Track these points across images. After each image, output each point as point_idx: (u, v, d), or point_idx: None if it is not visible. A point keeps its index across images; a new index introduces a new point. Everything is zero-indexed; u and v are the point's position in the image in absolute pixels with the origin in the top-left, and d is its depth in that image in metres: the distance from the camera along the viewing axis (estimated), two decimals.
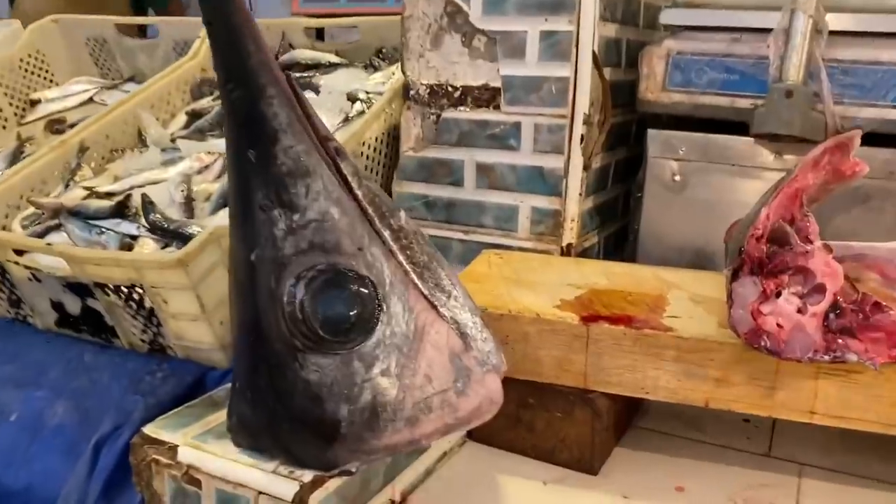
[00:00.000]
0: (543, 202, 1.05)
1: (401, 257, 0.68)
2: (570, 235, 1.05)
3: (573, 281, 0.93)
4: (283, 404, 0.65)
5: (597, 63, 1.00)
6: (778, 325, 0.69)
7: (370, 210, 0.67)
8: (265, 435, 0.68)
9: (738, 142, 0.99)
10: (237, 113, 0.64)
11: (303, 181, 0.63)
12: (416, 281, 0.68)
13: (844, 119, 0.90)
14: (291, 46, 1.51)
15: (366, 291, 0.65)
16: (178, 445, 0.71)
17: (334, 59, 1.43)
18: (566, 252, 1.06)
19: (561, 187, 1.04)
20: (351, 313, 0.64)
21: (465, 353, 0.68)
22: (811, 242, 0.72)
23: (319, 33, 1.61)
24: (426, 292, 0.68)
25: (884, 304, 0.72)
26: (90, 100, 1.73)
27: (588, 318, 0.80)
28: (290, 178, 0.63)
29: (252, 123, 0.63)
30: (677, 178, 1.03)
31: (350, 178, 0.67)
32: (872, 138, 0.90)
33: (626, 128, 1.18)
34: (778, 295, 0.69)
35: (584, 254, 1.11)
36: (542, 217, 1.06)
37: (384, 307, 0.65)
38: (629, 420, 0.92)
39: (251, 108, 0.62)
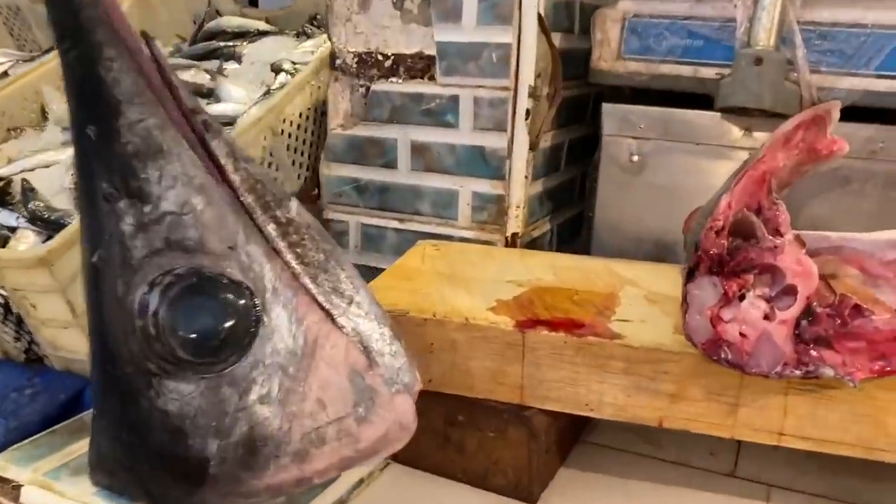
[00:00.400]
0: (485, 186, 0.94)
1: (288, 256, 0.56)
2: (515, 224, 0.94)
3: (515, 277, 0.82)
4: (139, 438, 0.54)
5: (543, 27, 0.89)
6: (741, 333, 0.59)
7: (249, 199, 0.56)
8: (123, 473, 0.57)
9: (703, 117, 0.88)
10: (73, 79, 0.51)
11: (154, 164, 0.52)
12: (308, 285, 0.57)
13: (822, 90, 0.79)
14: (218, 13, 1.38)
15: (239, 300, 0.53)
16: (22, 485, 0.59)
17: (264, 26, 1.30)
18: (511, 242, 0.95)
19: (504, 170, 0.92)
20: (219, 328, 0.53)
21: (368, 370, 0.57)
22: (781, 235, 0.61)
23: None
24: (320, 298, 0.57)
25: (864, 307, 0.62)
26: (5, 74, 1.58)
27: (525, 323, 0.70)
28: (138, 160, 0.51)
29: (89, 92, 0.51)
30: (635, 158, 0.92)
31: (223, 160, 0.55)
32: (853, 112, 0.80)
33: (582, 102, 1.06)
34: (741, 298, 0.59)
35: (534, 244, 1.00)
36: (484, 203, 0.95)
37: (264, 319, 0.54)
38: (577, 435, 0.82)
39: (87, 72, 0.50)
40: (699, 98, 0.87)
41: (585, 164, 1.08)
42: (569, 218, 1.11)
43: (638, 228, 0.95)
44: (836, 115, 0.62)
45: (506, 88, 0.89)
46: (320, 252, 0.58)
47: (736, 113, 0.81)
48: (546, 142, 0.98)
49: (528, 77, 0.89)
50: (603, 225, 0.97)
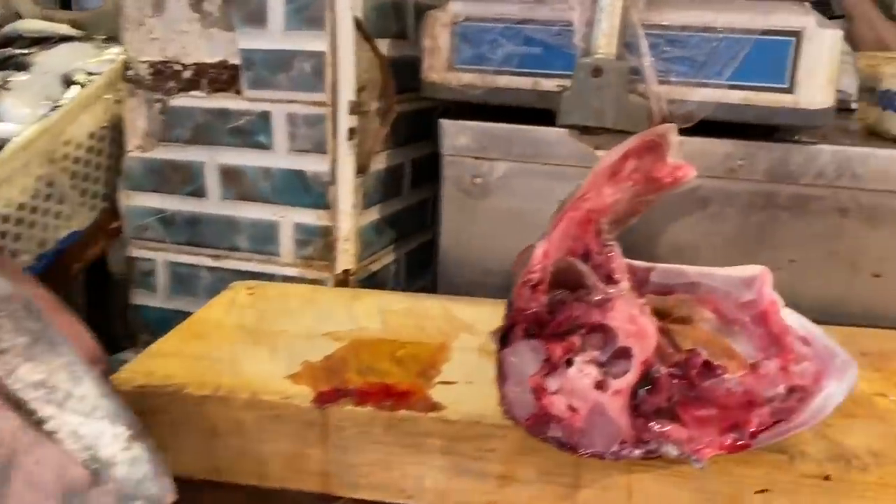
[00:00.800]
0: (309, 217, 0.82)
1: None
2: (345, 259, 0.83)
3: (335, 327, 0.71)
4: None
5: (364, 33, 0.78)
6: (570, 407, 0.49)
7: None
8: None
9: (550, 134, 0.79)
10: None
11: None
12: (2, 381, 0.43)
13: (672, 103, 0.71)
14: (18, 15, 1.20)
15: None
16: None
17: (68, 30, 1.14)
18: (343, 281, 0.84)
19: (329, 197, 0.81)
20: None
21: (91, 488, 0.44)
22: (615, 283, 0.52)
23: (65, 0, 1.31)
24: (21, 397, 0.44)
25: (716, 364, 0.54)
26: None
27: (327, 395, 0.58)
28: None
29: None
30: (478, 180, 0.83)
31: None
32: (709, 127, 0.73)
33: (426, 116, 0.96)
34: (569, 364, 0.49)
35: (374, 279, 0.89)
36: (308, 236, 0.83)
37: None
38: None
39: None
40: (544, 113, 0.78)
41: (435, 185, 0.98)
42: (420, 245, 1.00)
43: (485, 259, 0.85)
44: (674, 138, 0.53)
45: (323, 104, 0.78)
46: (23, 333, 0.45)
47: (580, 131, 0.72)
48: (380, 163, 0.87)
49: (347, 90, 0.77)
50: (448, 256, 0.87)
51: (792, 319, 0.57)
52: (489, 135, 0.81)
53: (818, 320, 0.73)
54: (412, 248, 0.98)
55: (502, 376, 0.50)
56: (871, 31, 1.88)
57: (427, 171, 0.98)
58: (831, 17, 1.95)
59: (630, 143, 0.50)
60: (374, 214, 0.87)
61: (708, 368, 0.53)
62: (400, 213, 0.94)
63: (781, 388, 0.52)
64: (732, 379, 0.53)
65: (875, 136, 0.81)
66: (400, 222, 0.94)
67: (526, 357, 0.49)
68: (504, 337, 0.49)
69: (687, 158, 0.76)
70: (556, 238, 0.49)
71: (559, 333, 0.49)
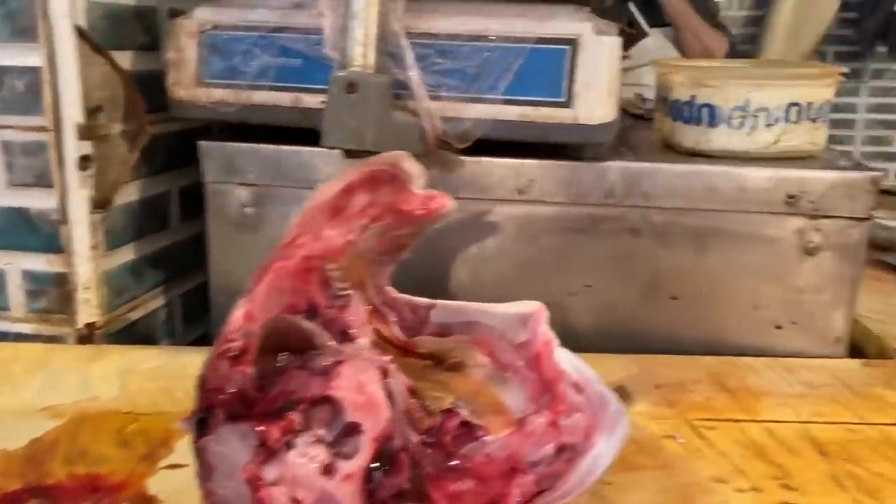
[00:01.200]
0: (39, 263, 0.71)
1: None
2: (88, 311, 0.71)
3: (61, 398, 0.60)
4: None
5: (92, 44, 0.67)
6: (294, 499, 0.41)
7: None
8: None
9: (322, 156, 0.71)
10: None
11: None
12: None
13: (448, 121, 0.65)
14: None
15: None
16: None
17: None
18: (88, 336, 0.72)
19: (61, 239, 0.69)
20: None
21: None
22: (352, 339, 0.45)
23: None
24: None
25: (477, 423, 0.47)
26: None
27: (11, 497, 0.47)
28: None
29: None
30: (248, 210, 0.74)
31: None
32: (492, 146, 0.67)
33: (197, 138, 0.85)
34: (289, 447, 0.41)
35: (136, 330, 0.78)
36: (41, 286, 0.71)
37: None
38: None
39: None
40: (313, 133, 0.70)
41: None
42: (200, 286, 0.89)
43: None
44: (409, 166, 0.46)
45: (43, 128, 0.66)
46: None
47: (345, 153, 0.64)
48: (133, 194, 0.76)
49: (74, 111, 0.66)
50: (220, 299, 0.77)
51: (566, 362, 0.51)
52: (258, 158, 0.72)
53: (617, 348, 0.70)
54: (189, 289, 0.87)
55: (206, 470, 0.41)
56: (696, 39, 1.94)
57: (202, 200, 0.88)
58: (661, 25, 2.00)
59: (350, 176, 0.43)
60: (128, 254, 0.76)
61: (467, 430, 0.47)
62: (167, 251, 0.83)
63: (550, 448, 0.46)
64: (494, 441, 0.47)
65: (669, 148, 0.78)
66: (168, 261, 0.83)
67: (234, 444, 0.40)
68: (201, 423, 0.40)
69: (473, 180, 0.70)
70: (261, 295, 0.41)
71: (274, 411, 0.41)
